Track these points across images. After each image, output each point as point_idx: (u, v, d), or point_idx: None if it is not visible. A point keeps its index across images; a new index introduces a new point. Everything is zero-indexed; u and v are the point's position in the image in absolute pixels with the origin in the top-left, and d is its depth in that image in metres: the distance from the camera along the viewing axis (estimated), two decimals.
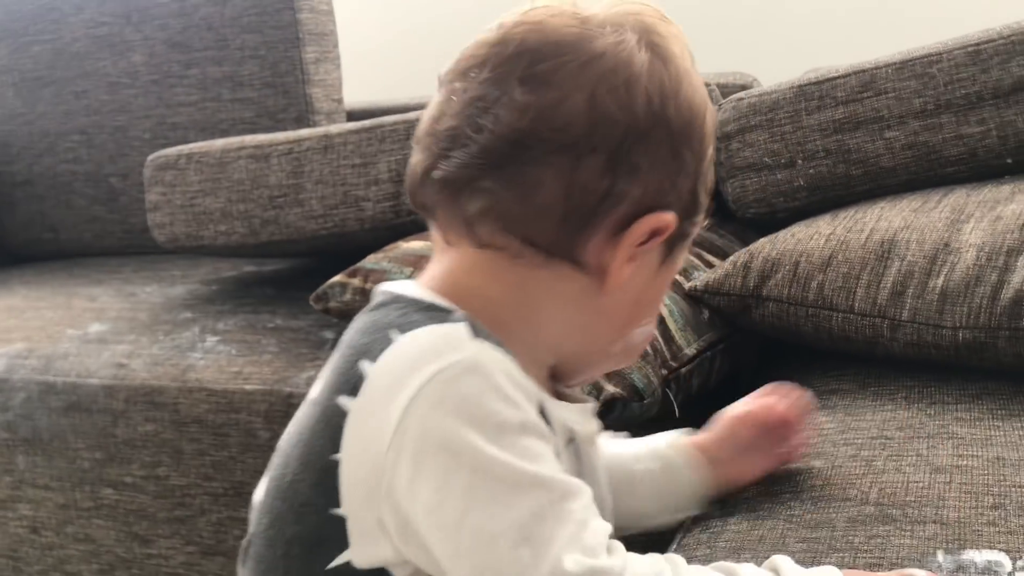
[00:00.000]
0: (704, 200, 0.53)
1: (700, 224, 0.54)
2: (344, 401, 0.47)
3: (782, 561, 0.49)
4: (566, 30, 0.48)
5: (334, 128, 1.19)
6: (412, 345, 0.46)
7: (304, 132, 1.21)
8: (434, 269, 0.52)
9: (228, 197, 1.21)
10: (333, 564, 0.46)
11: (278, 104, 1.59)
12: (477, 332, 0.47)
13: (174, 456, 1.02)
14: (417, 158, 0.51)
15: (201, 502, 1.02)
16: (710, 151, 0.52)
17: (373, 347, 0.47)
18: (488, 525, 0.42)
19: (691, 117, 0.50)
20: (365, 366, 0.46)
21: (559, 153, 0.47)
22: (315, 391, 0.52)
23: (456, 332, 0.46)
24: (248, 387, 1.00)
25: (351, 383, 0.47)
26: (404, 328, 0.47)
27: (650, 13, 0.51)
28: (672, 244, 0.52)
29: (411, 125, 1.14)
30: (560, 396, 0.53)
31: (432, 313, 0.48)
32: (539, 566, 0.41)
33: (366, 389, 0.46)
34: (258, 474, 0.99)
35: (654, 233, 0.49)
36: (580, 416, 0.53)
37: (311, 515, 0.47)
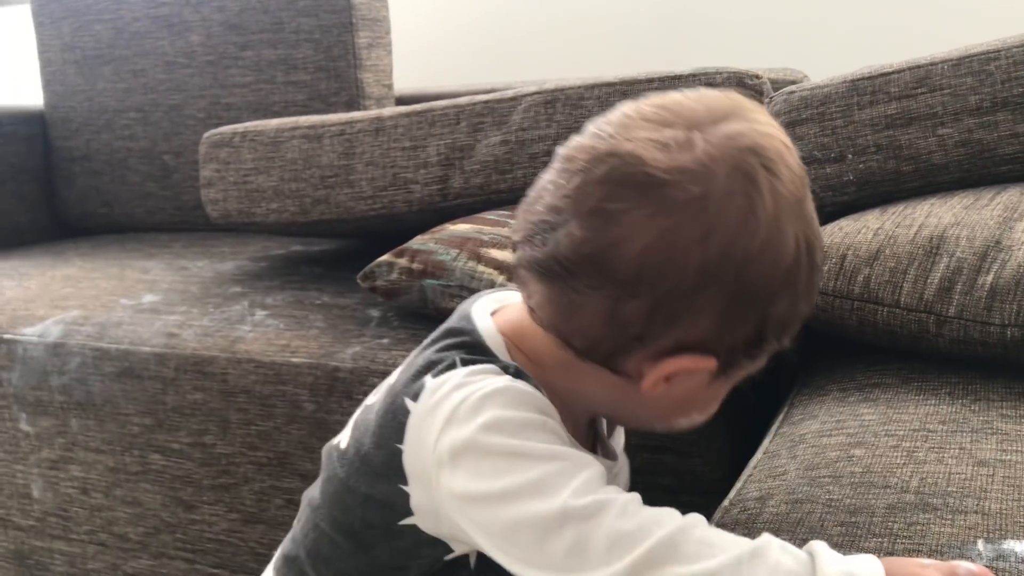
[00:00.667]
0: (773, 343, 0.53)
1: (762, 359, 0.54)
2: (409, 403, 0.53)
3: (819, 546, 0.49)
4: (658, 172, 0.48)
5: (386, 111, 1.21)
6: (457, 377, 0.52)
7: (357, 114, 1.23)
8: (513, 312, 0.58)
9: (280, 176, 1.24)
10: (404, 522, 0.54)
11: (330, 88, 1.61)
12: (516, 375, 0.53)
13: (221, 425, 1.05)
14: (517, 222, 0.55)
15: (245, 471, 1.05)
16: (795, 301, 0.52)
17: (437, 365, 0.54)
18: (510, 489, 0.48)
19: (763, 279, 0.50)
20: (427, 380, 0.53)
21: (603, 288, 0.50)
22: (393, 377, 0.59)
23: (489, 370, 0.53)
24: (295, 360, 1.02)
25: (415, 391, 0.53)
26: (464, 362, 0.53)
27: (768, 148, 0.50)
28: (726, 368, 0.53)
29: (461, 110, 1.16)
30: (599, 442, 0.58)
31: (485, 356, 0.54)
32: (552, 506, 0.47)
33: (422, 399, 0.53)
34: (302, 445, 1.02)
35: (688, 371, 0.52)
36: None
37: (383, 484, 0.54)
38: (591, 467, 0.50)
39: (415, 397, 0.53)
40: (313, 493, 0.62)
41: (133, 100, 1.71)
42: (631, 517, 0.47)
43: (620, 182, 0.49)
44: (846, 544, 0.54)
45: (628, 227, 0.48)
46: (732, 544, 0.48)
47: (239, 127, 1.29)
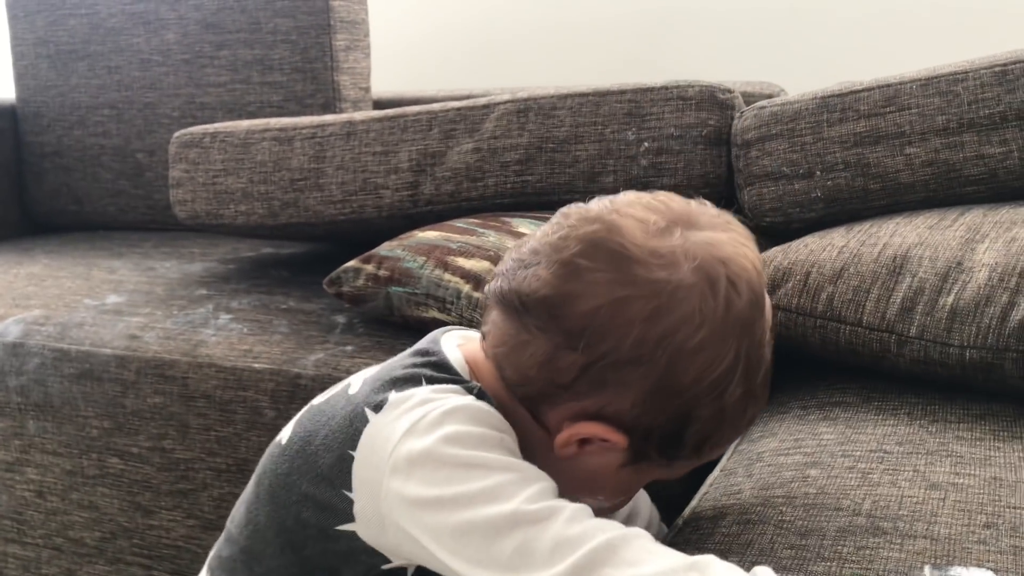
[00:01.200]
0: (688, 453, 0.56)
1: (676, 467, 0.57)
2: (369, 413, 0.55)
3: (763, 571, 0.49)
4: (631, 247, 0.52)
5: (358, 115, 1.20)
6: (422, 393, 0.54)
7: (328, 117, 1.22)
8: (475, 344, 0.59)
9: (250, 178, 1.22)
10: (342, 527, 0.54)
11: (306, 89, 1.60)
12: (479, 395, 0.54)
13: (180, 430, 1.04)
14: (503, 257, 0.58)
15: (204, 476, 1.03)
16: (720, 416, 0.54)
17: (403, 382, 0.56)
18: (464, 494, 0.49)
19: (691, 378, 0.52)
20: (391, 394, 0.55)
21: (549, 333, 0.53)
22: (356, 385, 0.59)
23: (453, 389, 0.54)
24: (257, 366, 1.01)
25: (377, 402, 0.55)
26: (429, 379, 0.55)
27: (738, 264, 0.53)
28: (636, 458, 0.55)
29: (433, 116, 1.15)
30: None
31: (452, 377, 0.56)
32: (504, 510, 0.48)
33: (384, 410, 0.54)
34: (262, 451, 1.00)
35: (597, 439, 0.55)
36: None
37: (326, 487, 0.55)
38: (544, 480, 0.51)
39: (376, 408, 0.54)
40: (248, 490, 0.63)
41: (107, 97, 1.69)
42: (577, 523, 0.48)
43: (596, 244, 0.53)
44: (794, 567, 0.54)
45: (588, 285, 0.52)
46: (672, 555, 0.48)
47: (209, 127, 1.27)
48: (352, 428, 0.55)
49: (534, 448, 0.55)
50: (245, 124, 1.26)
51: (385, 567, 0.55)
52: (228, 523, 0.65)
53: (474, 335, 0.62)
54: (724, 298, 0.52)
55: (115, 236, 1.64)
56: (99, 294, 1.22)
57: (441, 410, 0.52)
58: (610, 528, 0.49)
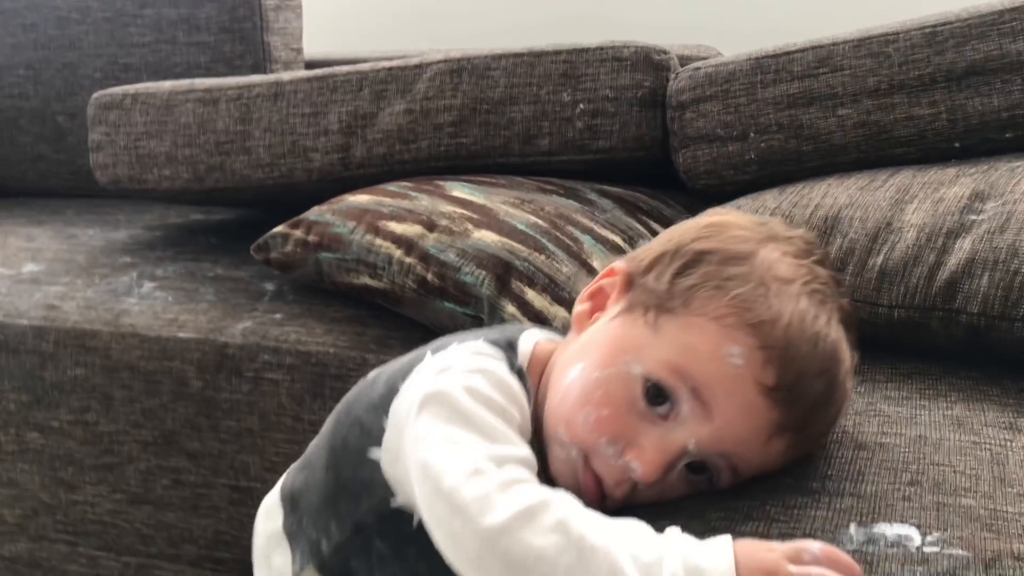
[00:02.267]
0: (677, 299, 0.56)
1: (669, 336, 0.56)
2: (428, 355, 0.59)
3: (672, 530, 0.49)
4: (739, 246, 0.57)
5: (285, 76, 1.16)
6: (476, 346, 0.58)
7: (255, 78, 1.18)
8: (554, 345, 0.62)
9: (174, 141, 1.18)
10: (372, 454, 0.57)
11: (235, 50, 1.55)
12: (519, 374, 0.57)
13: (103, 402, 1.00)
14: None
15: (130, 449, 1.00)
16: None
17: (466, 339, 0.59)
18: (442, 437, 0.51)
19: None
20: (453, 344, 0.59)
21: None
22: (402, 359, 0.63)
23: (499, 356, 0.57)
24: (182, 335, 0.98)
25: (439, 347, 0.59)
26: (486, 342, 0.59)
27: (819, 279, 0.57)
28: (630, 296, 0.59)
29: (364, 76, 1.12)
30: None
31: (508, 353, 0.58)
32: (463, 466, 0.49)
33: (439, 355, 0.58)
34: (189, 423, 0.98)
35: (605, 288, 0.60)
36: None
37: (373, 414, 0.58)
38: (526, 458, 0.52)
39: (435, 351, 0.59)
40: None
41: (23, 56, 1.61)
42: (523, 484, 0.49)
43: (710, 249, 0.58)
44: (723, 529, 0.53)
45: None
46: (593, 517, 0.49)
47: (130, 88, 1.22)
48: (410, 365, 0.59)
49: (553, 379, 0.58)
50: (168, 85, 1.21)
51: (393, 505, 0.56)
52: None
53: (559, 338, 0.63)
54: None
55: (35, 203, 1.57)
56: (15, 263, 1.17)
57: (476, 366, 0.55)
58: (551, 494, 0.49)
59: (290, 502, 0.62)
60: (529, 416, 0.56)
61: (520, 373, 0.57)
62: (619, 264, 0.61)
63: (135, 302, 1.04)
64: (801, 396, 0.53)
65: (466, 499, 0.47)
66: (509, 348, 0.59)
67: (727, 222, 0.60)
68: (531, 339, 0.61)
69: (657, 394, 0.53)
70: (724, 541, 0.46)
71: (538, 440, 0.57)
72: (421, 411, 0.53)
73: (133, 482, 1.01)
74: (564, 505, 0.48)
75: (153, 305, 1.03)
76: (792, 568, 0.44)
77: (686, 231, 0.59)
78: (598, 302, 0.61)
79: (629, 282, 0.59)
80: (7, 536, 1.07)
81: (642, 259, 0.59)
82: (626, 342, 0.55)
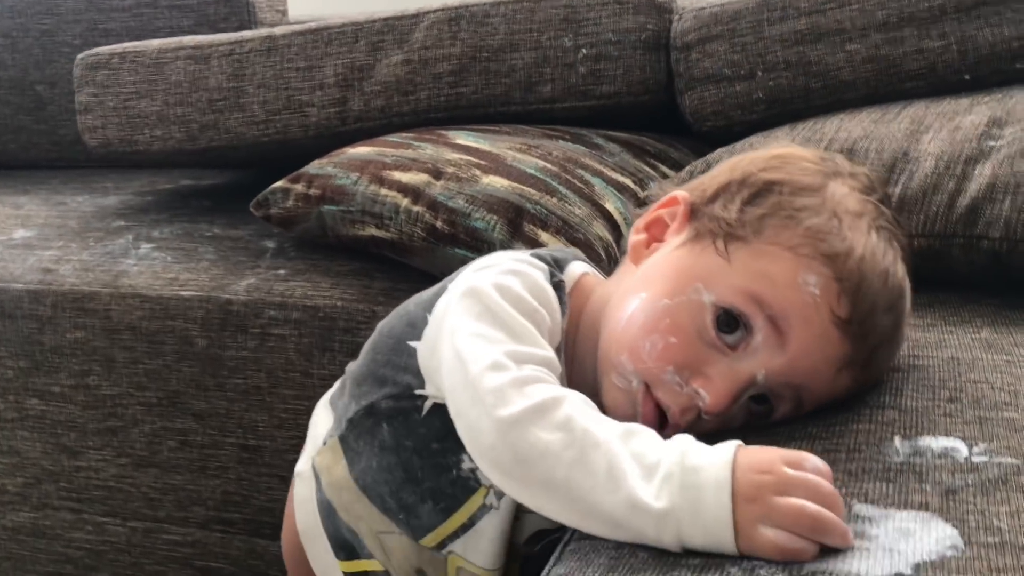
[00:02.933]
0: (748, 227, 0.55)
1: (741, 265, 0.54)
2: (476, 259, 0.61)
3: (682, 436, 0.48)
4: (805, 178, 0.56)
5: (278, 29, 1.13)
6: (518, 254, 0.60)
7: (246, 33, 1.15)
8: (599, 280, 0.63)
9: (165, 100, 1.15)
10: (411, 343, 0.59)
11: (218, 13, 1.51)
12: (555, 286, 0.57)
13: (105, 364, 0.98)
14: None
15: (134, 412, 0.98)
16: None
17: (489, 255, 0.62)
18: (471, 331, 0.52)
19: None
20: (500, 252, 0.62)
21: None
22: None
23: (538, 266, 0.58)
24: (184, 294, 0.96)
25: (487, 252, 0.63)
26: (531, 255, 0.60)
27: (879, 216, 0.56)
28: (695, 226, 0.57)
29: (359, 28, 1.09)
30: None
31: (551, 267, 0.59)
32: (485, 359, 0.50)
33: (484, 258, 0.61)
34: (194, 383, 0.96)
35: (664, 216, 0.60)
36: None
37: (421, 308, 0.60)
38: (548, 359, 0.52)
39: (482, 255, 0.62)
40: None
41: None
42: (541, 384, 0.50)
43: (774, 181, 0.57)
44: None
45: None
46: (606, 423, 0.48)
47: (117, 47, 1.19)
48: (462, 268, 0.61)
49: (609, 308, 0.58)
50: (156, 43, 1.18)
51: (417, 391, 0.58)
52: None
53: (602, 279, 0.63)
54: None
55: (18, 175, 1.54)
56: (5, 229, 1.14)
57: (514, 268, 0.56)
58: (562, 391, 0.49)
59: (343, 377, 0.66)
60: (560, 327, 0.57)
61: (558, 286, 0.58)
62: (681, 193, 0.59)
63: (133, 263, 1.01)
64: (871, 331, 0.53)
65: (484, 390, 0.49)
66: (555, 264, 0.60)
67: (793, 154, 0.59)
68: (580, 267, 0.62)
69: (728, 322, 0.52)
70: (730, 443, 0.46)
71: (567, 361, 0.58)
72: (457, 304, 0.55)
73: (138, 445, 0.99)
74: (574, 404, 0.48)
75: (152, 265, 1.00)
76: (787, 469, 0.43)
77: (752, 162, 0.58)
78: (655, 232, 0.60)
79: (693, 211, 0.58)
80: (9, 506, 1.05)
81: (705, 188, 0.58)
82: (695, 270, 0.54)
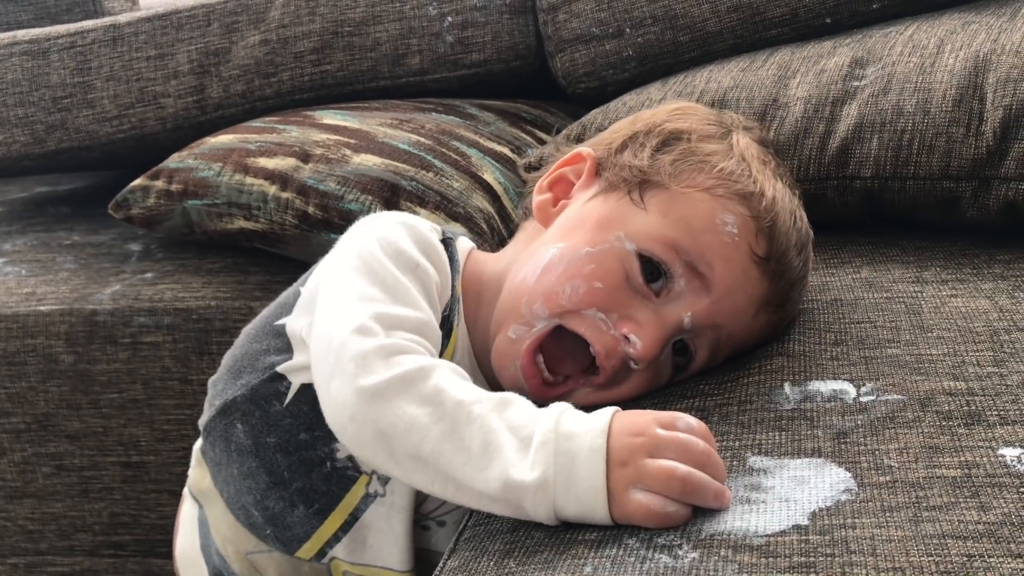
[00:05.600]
0: (663, 169, 0.55)
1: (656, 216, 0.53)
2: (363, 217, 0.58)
3: (558, 404, 0.46)
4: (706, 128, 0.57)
5: (123, 18, 1.06)
6: (386, 213, 0.58)
7: (87, 23, 1.07)
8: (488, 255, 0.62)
9: (3, 101, 1.07)
10: (279, 321, 0.56)
11: (61, 4, 1.42)
12: (444, 242, 0.56)
13: None
14: None
15: (0, 441, 0.91)
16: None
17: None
18: (344, 286, 0.50)
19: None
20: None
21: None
22: None
23: (428, 226, 0.56)
24: (43, 308, 0.89)
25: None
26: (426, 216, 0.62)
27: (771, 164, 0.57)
28: (605, 178, 0.57)
29: (211, 10, 1.03)
30: None
31: (441, 229, 0.58)
32: (351, 323, 0.47)
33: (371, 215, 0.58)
34: (65, 402, 0.90)
35: (567, 175, 0.59)
36: None
37: (298, 286, 0.58)
38: (424, 322, 0.50)
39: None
40: None
41: None
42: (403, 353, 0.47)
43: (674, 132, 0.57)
44: (660, 407, 0.51)
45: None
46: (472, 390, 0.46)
47: None
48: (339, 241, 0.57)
49: (515, 264, 0.56)
50: None
51: (281, 368, 0.54)
52: None
53: (495, 254, 0.62)
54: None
55: None
56: None
57: (401, 219, 0.55)
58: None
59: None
60: (451, 285, 0.55)
61: (447, 244, 0.56)
62: (584, 149, 0.59)
63: None
64: (786, 269, 0.54)
65: (347, 356, 0.46)
66: (446, 232, 0.58)
67: (692, 106, 0.61)
68: (469, 243, 0.60)
69: (650, 270, 0.52)
70: (606, 410, 0.44)
71: (469, 331, 0.57)
72: (334, 255, 0.53)
73: (9, 476, 0.92)
74: (444, 375, 0.46)
75: (5, 280, 0.93)
76: (659, 430, 0.43)
77: (654, 114, 0.59)
78: (561, 190, 0.59)
79: (600, 165, 0.57)
80: None
81: (610, 143, 0.58)
82: (613, 219, 0.53)
